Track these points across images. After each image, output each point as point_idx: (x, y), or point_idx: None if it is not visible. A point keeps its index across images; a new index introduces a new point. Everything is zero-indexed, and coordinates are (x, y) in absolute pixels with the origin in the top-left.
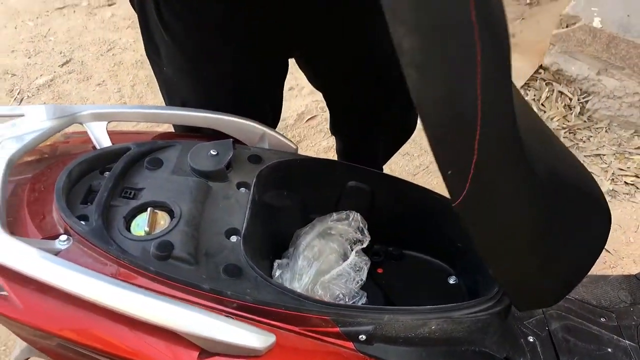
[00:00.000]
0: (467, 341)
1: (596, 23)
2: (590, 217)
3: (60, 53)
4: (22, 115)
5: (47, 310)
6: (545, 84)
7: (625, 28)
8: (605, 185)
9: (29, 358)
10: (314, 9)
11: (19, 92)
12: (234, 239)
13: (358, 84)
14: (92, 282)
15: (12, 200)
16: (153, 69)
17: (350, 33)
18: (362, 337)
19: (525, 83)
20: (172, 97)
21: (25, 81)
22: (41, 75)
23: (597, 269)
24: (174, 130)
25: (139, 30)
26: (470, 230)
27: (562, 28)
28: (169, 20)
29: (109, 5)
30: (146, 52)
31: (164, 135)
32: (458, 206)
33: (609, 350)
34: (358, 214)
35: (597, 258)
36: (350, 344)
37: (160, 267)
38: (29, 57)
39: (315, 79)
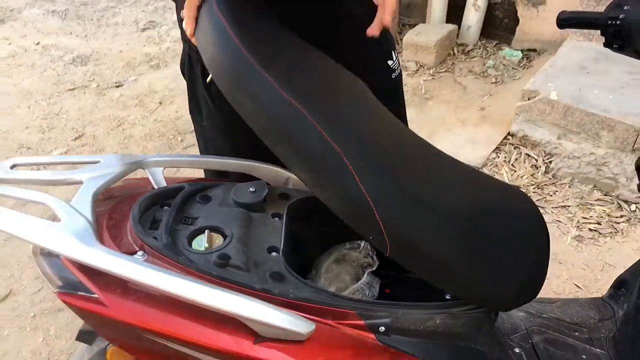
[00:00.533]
0: (464, 337)
1: (553, 96)
2: (521, 224)
3: (73, 129)
4: (98, 162)
5: (130, 307)
6: (514, 147)
7: (577, 100)
8: (571, 232)
9: None
10: None
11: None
12: (274, 254)
13: None
14: (173, 279)
15: (95, 226)
16: (193, 124)
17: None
18: (382, 328)
19: (497, 147)
20: (207, 147)
21: (40, 154)
22: (55, 148)
23: None
24: (204, 175)
25: (146, 108)
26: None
27: (525, 100)
28: (212, 87)
29: (117, 86)
30: (189, 109)
31: (203, 180)
32: (390, 255)
33: (584, 357)
34: (367, 242)
35: (544, 256)
36: (373, 336)
37: (220, 273)
38: (43, 133)
39: None
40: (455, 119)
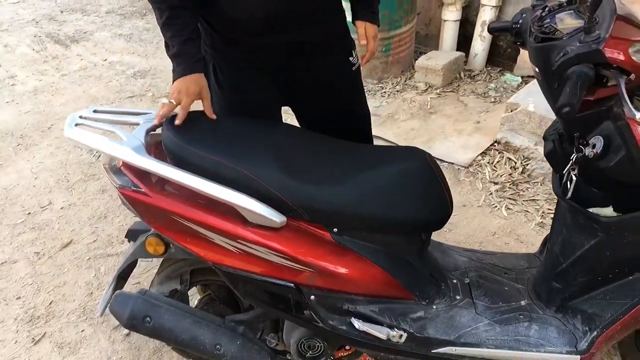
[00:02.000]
0: (399, 250)
1: (531, 108)
2: (417, 170)
3: None
4: (150, 113)
5: (165, 198)
6: (498, 152)
7: (551, 111)
8: (536, 220)
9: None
10: (302, 84)
11: None
12: None
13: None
14: (191, 177)
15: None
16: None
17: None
18: (335, 229)
19: (483, 152)
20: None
21: None
22: None
23: None
24: None
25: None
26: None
27: (508, 112)
28: (221, 80)
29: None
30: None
31: None
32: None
33: (506, 288)
34: None
35: (442, 190)
36: (328, 234)
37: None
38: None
39: (300, 122)
40: (452, 130)
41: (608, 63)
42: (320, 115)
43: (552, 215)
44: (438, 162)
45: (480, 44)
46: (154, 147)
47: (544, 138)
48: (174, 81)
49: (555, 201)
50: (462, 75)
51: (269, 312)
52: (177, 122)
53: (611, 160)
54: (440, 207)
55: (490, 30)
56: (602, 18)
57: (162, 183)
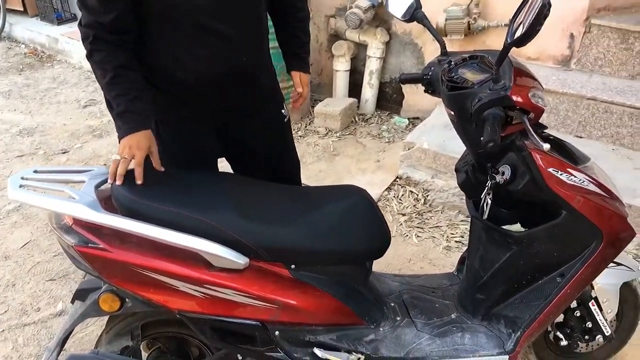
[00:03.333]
0: (350, 279)
1: (425, 145)
2: (358, 206)
3: None
4: (93, 169)
5: (125, 251)
6: (401, 187)
7: (443, 148)
8: (443, 244)
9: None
10: (239, 138)
11: None
12: None
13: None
14: (152, 227)
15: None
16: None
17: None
18: (293, 266)
19: (388, 187)
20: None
21: None
22: (9, 203)
23: None
24: None
25: None
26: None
27: (406, 150)
28: (162, 133)
29: (63, 153)
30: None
31: None
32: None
33: (437, 305)
34: None
35: (381, 222)
36: (287, 271)
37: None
38: None
39: (236, 172)
40: (357, 169)
41: (514, 105)
42: (255, 166)
43: (455, 239)
44: None
45: (369, 90)
46: (104, 202)
47: (456, 170)
48: (120, 139)
49: (455, 226)
50: (357, 119)
51: (235, 353)
52: (137, 181)
53: (519, 184)
54: (381, 237)
55: (401, 81)
56: (503, 70)
57: (118, 237)
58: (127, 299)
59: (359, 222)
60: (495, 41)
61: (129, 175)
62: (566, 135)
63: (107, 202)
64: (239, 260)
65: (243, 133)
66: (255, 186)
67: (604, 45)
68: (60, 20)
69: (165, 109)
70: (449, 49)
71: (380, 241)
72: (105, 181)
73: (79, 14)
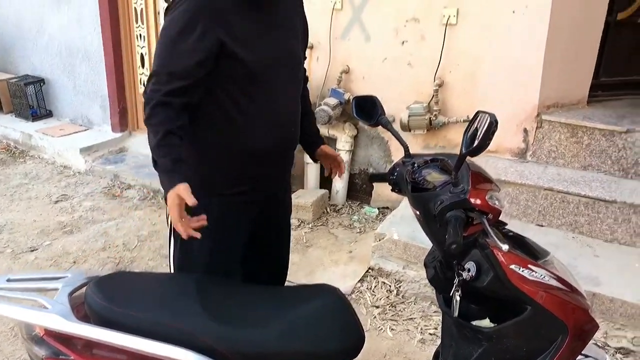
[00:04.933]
0: None
1: (395, 237)
2: (331, 305)
3: None
4: (67, 276)
5: None
6: (373, 278)
7: (412, 238)
8: (417, 337)
9: None
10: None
11: None
12: None
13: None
14: (126, 337)
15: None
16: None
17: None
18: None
19: (361, 279)
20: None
21: None
22: None
23: None
24: None
25: (60, 267)
26: None
27: (377, 241)
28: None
29: (32, 250)
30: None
31: None
32: None
33: None
34: None
35: (354, 321)
36: None
37: None
38: None
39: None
40: (330, 261)
41: (473, 208)
42: (261, 259)
43: (429, 331)
44: None
45: (339, 182)
46: (77, 310)
47: (425, 265)
48: (166, 192)
49: (429, 317)
50: (328, 209)
51: None
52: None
53: (484, 281)
54: (355, 337)
55: (370, 180)
56: (461, 174)
57: (90, 347)
58: None
59: (332, 323)
60: (455, 135)
61: (103, 282)
62: (528, 224)
63: (81, 310)
64: None
65: (277, 212)
66: (231, 288)
67: (556, 139)
68: (36, 117)
69: (222, 186)
70: (413, 143)
71: (355, 341)
72: (80, 287)
73: (54, 110)
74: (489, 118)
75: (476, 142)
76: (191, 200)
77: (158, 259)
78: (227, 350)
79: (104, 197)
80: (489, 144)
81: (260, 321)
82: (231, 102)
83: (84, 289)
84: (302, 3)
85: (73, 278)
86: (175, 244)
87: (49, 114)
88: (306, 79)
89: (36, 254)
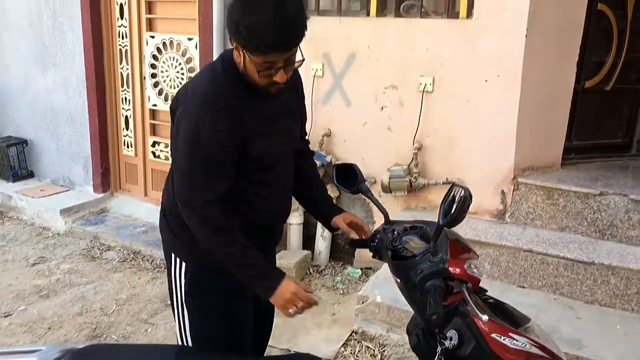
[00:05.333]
0: None
1: (379, 299)
2: None
3: None
4: (41, 349)
5: None
6: (357, 342)
7: (395, 301)
8: None
9: None
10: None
11: None
12: None
13: None
14: None
15: None
16: None
17: None
18: None
19: (344, 343)
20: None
21: None
22: None
23: None
24: None
25: (35, 334)
26: None
27: (360, 304)
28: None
29: (6, 316)
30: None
31: None
32: None
33: None
34: None
35: None
36: None
37: None
38: None
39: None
40: (312, 324)
41: (452, 277)
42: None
43: None
44: None
45: (322, 242)
46: None
47: (408, 333)
48: (271, 297)
49: None
50: (311, 270)
51: None
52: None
53: (466, 349)
54: None
55: (352, 245)
56: (440, 243)
57: None
58: None
59: None
60: (435, 197)
61: (79, 356)
62: (510, 285)
63: None
64: None
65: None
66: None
67: (533, 201)
68: (16, 177)
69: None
70: (394, 204)
71: None
72: None
73: (36, 170)
74: (463, 192)
75: (452, 215)
76: (305, 289)
77: (136, 324)
78: None
79: (83, 259)
80: (464, 216)
81: None
82: (244, 188)
83: None
84: (301, 84)
85: (47, 352)
86: (190, 321)
87: (30, 175)
88: (312, 153)
89: (10, 319)
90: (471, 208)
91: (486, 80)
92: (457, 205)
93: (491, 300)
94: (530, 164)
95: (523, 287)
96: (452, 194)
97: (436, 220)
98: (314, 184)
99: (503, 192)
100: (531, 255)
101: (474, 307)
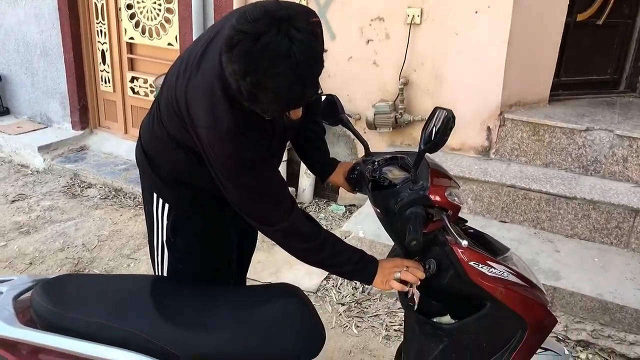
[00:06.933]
0: None
1: (361, 234)
2: (290, 305)
3: None
4: (12, 279)
5: None
6: None
7: (378, 236)
8: (382, 333)
9: None
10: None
11: None
12: None
13: None
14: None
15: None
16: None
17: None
18: None
19: (327, 276)
20: None
21: None
22: None
23: None
24: None
25: (15, 269)
26: None
27: (343, 239)
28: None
29: None
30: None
31: None
32: None
33: None
34: None
35: (315, 321)
36: None
37: None
38: None
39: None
40: (295, 259)
41: (433, 204)
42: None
43: (394, 327)
44: None
45: (306, 180)
46: (22, 314)
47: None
48: (374, 282)
49: (394, 314)
50: None
51: None
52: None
53: (444, 277)
54: (316, 335)
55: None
56: (421, 171)
57: (36, 354)
58: None
59: (292, 323)
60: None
61: (50, 286)
62: (491, 220)
63: (27, 314)
64: None
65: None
66: (185, 289)
67: (518, 137)
68: None
69: (217, 209)
70: (379, 140)
71: (314, 342)
72: (26, 291)
73: (12, 107)
74: (445, 114)
75: (434, 138)
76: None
77: (119, 259)
78: (182, 354)
79: (63, 197)
80: (446, 139)
81: (217, 323)
82: None
83: (30, 293)
84: None
85: (18, 281)
86: (170, 262)
87: (5, 112)
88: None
89: None
90: (456, 144)
91: (476, 12)
92: (439, 127)
93: (471, 230)
94: (518, 100)
95: (504, 222)
96: (434, 117)
97: (416, 151)
98: (316, 150)
99: (489, 129)
100: (514, 190)
101: (454, 233)
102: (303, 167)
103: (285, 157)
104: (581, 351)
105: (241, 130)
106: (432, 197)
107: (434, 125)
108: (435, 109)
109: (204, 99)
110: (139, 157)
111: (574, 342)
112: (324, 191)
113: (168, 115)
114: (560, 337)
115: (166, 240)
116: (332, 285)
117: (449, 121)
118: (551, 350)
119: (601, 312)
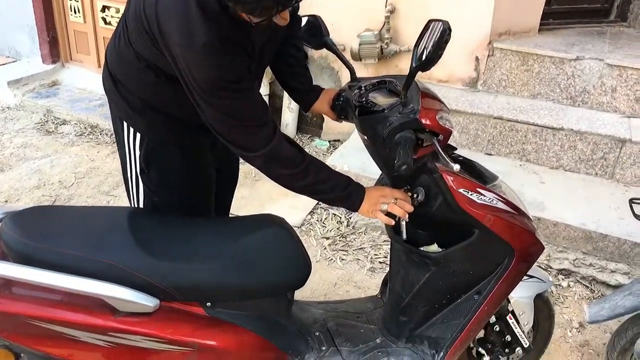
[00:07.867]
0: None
1: (346, 168)
2: (275, 236)
3: None
4: None
5: (15, 301)
6: (324, 210)
7: (363, 169)
8: (367, 266)
9: None
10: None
11: None
12: None
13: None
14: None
15: None
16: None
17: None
18: (209, 304)
19: (311, 211)
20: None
21: None
22: None
23: None
24: None
25: None
26: None
27: None
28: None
29: None
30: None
31: None
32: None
33: (362, 330)
34: None
35: (300, 250)
36: (202, 309)
37: None
38: None
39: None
40: (279, 193)
41: (423, 128)
42: (222, 185)
43: (379, 260)
44: None
45: (289, 114)
46: None
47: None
48: (360, 209)
49: (379, 246)
50: None
51: None
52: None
53: (433, 205)
54: (301, 266)
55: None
56: (411, 94)
57: (7, 286)
58: (22, 354)
59: (276, 253)
60: (407, 64)
61: (21, 217)
62: (477, 152)
63: None
64: (146, 302)
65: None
66: (165, 221)
67: (507, 67)
68: None
69: (191, 137)
70: (364, 72)
71: (300, 271)
72: None
73: None
74: (441, 25)
75: (427, 54)
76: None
77: (97, 196)
78: (163, 284)
79: (37, 133)
80: (441, 54)
81: (200, 253)
82: None
83: None
84: None
85: None
86: (145, 193)
87: None
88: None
89: None
90: (443, 76)
91: None
92: (434, 41)
93: (461, 158)
94: (507, 29)
95: (490, 155)
96: (428, 31)
97: (406, 75)
98: (297, 76)
99: (477, 59)
100: (501, 122)
101: (445, 158)
102: (286, 101)
103: (266, 92)
104: (563, 279)
105: (219, 44)
106: (423, 120)
107: (427, 39)
108: (430, 21)
109: (177, 13)
110: (107, 83)
111: (555, 271)
112: (308, 126)
113: (137, 33)
114: (543, 267)
115: (140, 172)
116: (317, 220)
117: (445, 33)
118: (536, 278)
119: (584, 241)
